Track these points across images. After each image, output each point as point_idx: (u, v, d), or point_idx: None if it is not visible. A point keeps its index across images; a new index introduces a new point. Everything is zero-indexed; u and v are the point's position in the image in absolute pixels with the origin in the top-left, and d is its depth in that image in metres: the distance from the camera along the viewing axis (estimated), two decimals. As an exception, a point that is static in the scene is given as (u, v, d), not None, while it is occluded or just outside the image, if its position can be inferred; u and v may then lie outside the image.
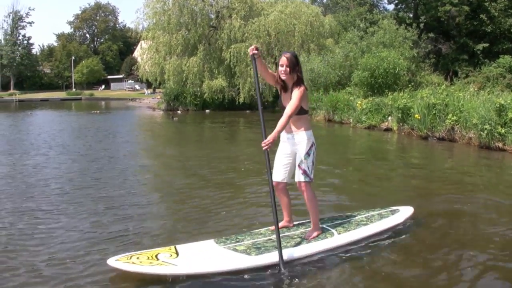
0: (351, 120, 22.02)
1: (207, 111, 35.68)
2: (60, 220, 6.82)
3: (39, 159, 12.74)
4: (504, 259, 5.51)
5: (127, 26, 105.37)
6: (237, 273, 4.93)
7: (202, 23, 35.45)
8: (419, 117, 16.50)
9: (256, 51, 5.50)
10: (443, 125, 15.64)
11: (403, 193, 8.91)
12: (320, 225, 5.93)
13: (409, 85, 22.77)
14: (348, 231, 5.92)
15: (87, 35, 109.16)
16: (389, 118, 19.58)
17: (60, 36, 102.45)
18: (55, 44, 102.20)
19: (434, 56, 35.19)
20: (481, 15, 35.46)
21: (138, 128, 25.88)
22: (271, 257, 5.12)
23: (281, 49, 32.88)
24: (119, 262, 4.87)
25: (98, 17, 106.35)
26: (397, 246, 5.85)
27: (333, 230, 5.91)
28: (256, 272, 4.98)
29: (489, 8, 35.39)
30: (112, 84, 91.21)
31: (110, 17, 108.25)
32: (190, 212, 7.36)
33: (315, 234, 5.73)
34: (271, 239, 5.64)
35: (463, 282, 4.94)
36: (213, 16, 37.62)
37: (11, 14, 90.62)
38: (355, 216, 6.50)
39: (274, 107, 28.26)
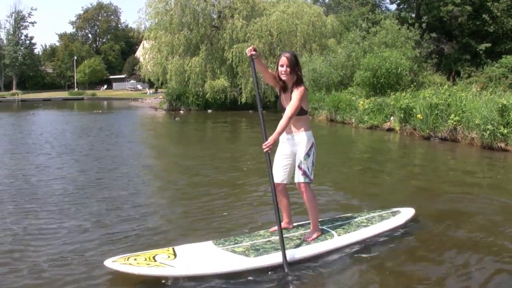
0: (353, 120, 22.01)
1: (209, 111, 35.68)
2: (63, 221, 6.82)
3: (42, 159, 12.76)
4: (510, 261, 5.45)
5: (129, 26, 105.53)
6: (239, 274, 4.91)
7: (204, 23, 35.45)
8: (421, 117, 16.48)
9: (254, 52, 5.46)
10: (446, 125, 15.62)
11: (405, 193, 8.89)
12: (320, 227, 5.90)
13: (411, 85, 22.74)
14: (348, 232, 5.88)
15: (89, 35, 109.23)
16: (391, 118, 19.56)
17: (62, 36, 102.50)
18: (57, 44, 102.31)
19: (437, 56, 35.16)
20: (484, 15, 35.38)
21: (140, 128, 25.89)
22: (270, 259, 5.11)
23: (283, 49, 32.79)
24: (116, 263, 4.85)
25: (100, 17, 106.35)
26: (398, 248, 5.80)
27: (333, 232, 5.88)
28: (259, 273, 4.96)
29: (491, 8, 35.31)
30: (114, 84, 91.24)
31: (112, 17, 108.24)
32: (193, 212, 7.35)
33: (314, 235, 5.69)
34: (270, 240, 5.62)
35: (468, 286, 4.90)
36: (215, 16, 37.62)
37: (13, 14, 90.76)
38: (355, 218, 6.45)
39: (276, 107, 28.18)
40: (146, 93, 71.22)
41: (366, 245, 5.74)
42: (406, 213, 6.58)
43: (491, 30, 35.60)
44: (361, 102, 21.92)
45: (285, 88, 5.65)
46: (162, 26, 36.25)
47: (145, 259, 4.95)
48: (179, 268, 4.85)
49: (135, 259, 4.94)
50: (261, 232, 5.98)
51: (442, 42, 36.43)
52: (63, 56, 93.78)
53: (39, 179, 9.98)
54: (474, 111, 14.69)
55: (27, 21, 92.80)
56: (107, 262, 4.89)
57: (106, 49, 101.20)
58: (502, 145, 13.44)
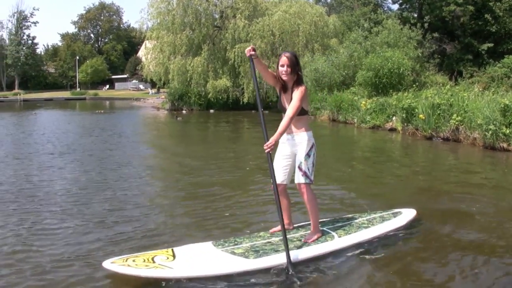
0: (355, 120, 22.02)
1: (212, 111, 35.73)
2: (65, 221, 6.81)
3: (44, 159, 12.77)
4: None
5: (131, 26, 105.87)
6: (242, 275, 4.90)
7: (206, 23, 35.52)
8: (424, 117, 16.47)
9: (253, 52, 5.44)
10: (448, 125, 15.61)
11: (406, 194, 8.84)
12: (320, 228, 5.86)
13: (414, 85, 22.74)
14: (349, 234, 5.83)
15: (92, 35, 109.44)
16: (394, 118, 19.55)
17: (64, 36, 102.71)
18: (60, 44, 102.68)
19: (439, 56, 35.12)
20: (486, 15, 35.36)
21: (142, 128, 25.91)
22: (269, 261, 5.08)
23: (285, 49, 32.79)
24: (115, 264, 4.83)
25: (102, 17, 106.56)
26: (399, 249, 5.75)
27: (334, 233, 5.83)
28: (263, 274, 4.95)
29: (493, 8, 35.29)
30: (116, 84, 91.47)
31: (114, 17, 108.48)
32: (195, 213, 7.34)
33: (315, 237, 5.65)
34: (270, 242, 5.59)
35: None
36: (217, 16, 37.70)
37: (15, 14, 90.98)
38: (356, 219, 6.40)
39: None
40: (148, 93, 71.35)
41: (367, 246, 5.70)
42: (407, 214, 6.53)
43: (493, 30, 35.58)
44: (363, 102, 21.91)
45: (285, 88, 5.62)
46: (164, 26, 36.35)
47: (144, 260, 4.93)
48: (177, 269, 4.82)
49: (133, 261, 4.91)
50: (261, 233, 5.95)
51: (444, 42, 36.38)
52: (65, 56, 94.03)
53: (42, 179, 9.98)
54: (476, 111, 14.68)
55: (29, 21, 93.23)
56: (105, 263, 4.88)
57: (108, 49, 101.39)
58: (504, 145, 13.42)
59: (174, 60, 35.45)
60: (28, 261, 5.31)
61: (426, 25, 34.22)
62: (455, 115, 15.32)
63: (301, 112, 5.43)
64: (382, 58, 23.85)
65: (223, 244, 5.49)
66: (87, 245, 5.83)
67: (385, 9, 46.83)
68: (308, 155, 5.55)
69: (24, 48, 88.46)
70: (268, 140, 5.22)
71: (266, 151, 5.19)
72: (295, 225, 6.13)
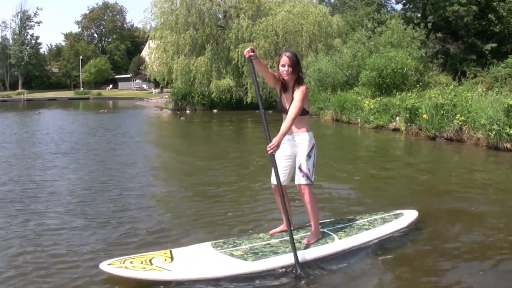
0: (358, 120, 22.00)
1: (215, 110, 35.73)
2: (69, 221, 6.81)
3: (48, 158, 12.80)
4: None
5: (134, 25, 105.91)
6: (244, 276, 4.89)
7: (209, 23, 35.52)
8: (427, 117, 16.46)
9: (252, 53, 5.41)
10: (451, 125, 15.59)
11: (409, 194, 8.80)
12: (321, 229, 5.81)
13: (417, 85, 22.71)
14: (350, 235, 5.77)
15: (95, 35, 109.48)
16: (397, 118, 19.54)
17: (68, 36, 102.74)
18: (63, 43, 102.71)
19: (442, 56, 35.06)
20: (490, 15, 35.25)
21: (146, 128, 25.96)
22: (268, 263, 5.05)
23: (288, 49, 32.79)
24: (112, 266, 4.83)
25: (105, 17, 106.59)
26: (400, 252, 5.68)
27: (334, 235, 5.78)
28: (270, 274, 4.96)
29: (497, 8, 35.17)
30: (119, 84, 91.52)
31: (117, 16, 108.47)
32: (198, 213, 7.34)
33: (315, 238, 5.59)
34: (269, 243, 5.55)
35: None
36: (220, 16, 37.69)
37: (19, 14, 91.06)
38: (357, 220, 6.34)
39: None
40: (152, 92, 71.42)
41: (368, 248, 5.65)
42: (409, 216, 6.47)
43: (497, 30, 35.47)
44: (367, 102, 21.90)
45: (285, 88, 5.59)
46: (168, 26, 36.32)
47: (142, 262, 4.92)
48: (175, 272, 4.80)
49: (131, 262, 4.91)
50: (261, 234, 5.91)
51: (448, 42, 36.31)
52: (68, 56, 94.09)
53: (45, 179, 10.01)
54: (479, 111, 14.67)
55: (33, 21, 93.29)
56: (102, 265, 4.87)
57: (111, 49, 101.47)
58: (508, 145, 13.40)
59: (177, 60, 35.46)
60: (32, 262, 5.31)
61: (429, 25, 34.21)
62: (458, 115, 15.31)
63: (302, 112, 5.39)
64: (385, 58, 23.85)
65: (222, 246, 5.45)
66: (91, 245, 5.84)
67: (388, 9, 46.81)
68: (308, 156, 5.50)
69: (27, 48, 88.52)
70: (270, 141, 5.18)
71: (269, 152, 5.16)
72: (295, 227, 6.04)
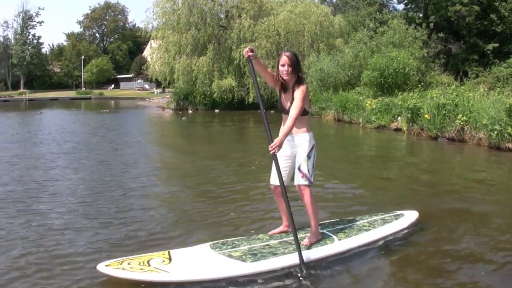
0: (360, 120, 22.00)
1: (217, 110, 35.73)
2: (71, 222, 6.80)
3: (50, 158, 12.82)
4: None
5: (136, 25, 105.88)
6: (246, 277, 4.88)
7: (211, 23, 35.54)
8: (429, 117, 16.46)
9: (251, 53, 5.39)
10: (453, 125, 15.59)
11: (410, 195, 8.76)
12: (320, 230, 5.78)
13: (419, 85, 22.65)
14: (349, 236, 5.74)
15: (97, 35, 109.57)
16: (399, 118, 19.54)
17: (69, 36, 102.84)
18: (65, 43, 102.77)
19: (444, 56, 35.04)
20: (491, 15, 35.22)
21: (148, 128, 25.97)
22: (267, 265, 5.02)
23: (290, 49, 32.79)
24: (109, 267, 4.81)
25: (107, 17, 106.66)
26: (403, 252, 5.65)
27: (334, 236, 5.74)
28: (276, 274, 4.96)
29: (499, 8, 35.14)
30: (121, 84, 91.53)
31: (119, 16, 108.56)
32: (200, 213, 7.32)
33: (314, 239, 5.56)
34: (268, 245, 5.52)
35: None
36: (222, 16, 37.67)
37: (21, 14, 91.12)
38: (357, 221, 6.30)
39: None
40: (154, 92, 71.41)
41: (366, 249, 5.61)
42: (409, 216, 6.44)
43: (499, 30, 35.44)
44: (369, 102, 21.92)
45: (285, 88, 5.55)
46: (170, 25, 36.34)
47: (139, 263, 4.91)
48: (173, 273, 4.78)
49: (128, 263, 4.90)
50: (260, 235, 5.88)
51: (450, 42, 36.30)
52: (70, 56, 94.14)
53: (47, 179, 10.01)
54: (481, 111, 14.67)
55: (34, 21, 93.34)
56: (99, 266, 4.86)
57: (113, 49, 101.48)
58: (510, 145, 13.38)
59: (179, 60, 35.45)
60: (34, 263, 5.29)
61: (431, 25, 34.13)
62: (460, 115, 15.30)
63: (302, 112, 5.35)
64: (387, 58, 23.82)
65: (221, 247, 5.42)
66: (94, 246, 5.83)
67: (390, 9, 46.81)
68: (308, 156, 5.47)
69: (29, 47, 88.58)
70: (272, 141, 5.16)
71: (271, 152, 5.13)
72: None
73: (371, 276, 5.06)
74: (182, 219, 7.03)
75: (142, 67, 62.33)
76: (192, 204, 7.93)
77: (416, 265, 5.34)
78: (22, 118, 31.88)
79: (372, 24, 32.68)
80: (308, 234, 5.68)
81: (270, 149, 5.10)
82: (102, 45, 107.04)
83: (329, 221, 6.43)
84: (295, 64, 5.42)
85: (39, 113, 36.08)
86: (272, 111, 24.80)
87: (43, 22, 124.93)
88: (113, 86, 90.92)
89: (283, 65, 5.41)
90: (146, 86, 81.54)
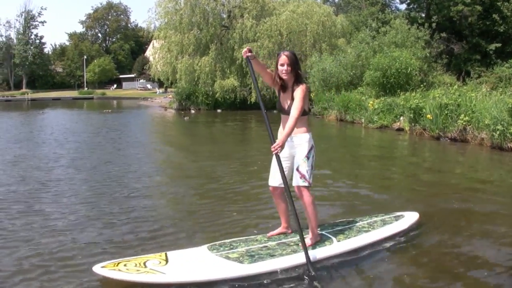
0: (363, 120, 22.00)
1: (219, 110, 35.75)
2: (74, 223, 6.80)
3: (52, 158, 12.83)
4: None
5: (139, 25, 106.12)
6: (256, 277, 4.88)
7: (214, 23, 35.56)
8: (431, 117, 16.45)
9: (249, 53, 5.38)
10: (455, 125, 15.59)
11: (412, 196, 8.75)
12: (320, 232, 5.74)
13: (421, 85, 22.64)
14: (348, 238, 5.69)
15: (99, 35, 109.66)
16: (401, 118, 19.54)
17: (72, 36, 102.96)
18: (67, 43, 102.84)
19: (446, 56, 34.96)
20: (494, 15, 35.20)
21: (150, 128, 25.98)
22: (264, 266, 4.98)
23: (292, 48, 32.81)
24: (105, 269, 4.78)
25: (110, 17, 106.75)
26: (400, 255, 5.61)
27: (333, 237, 5.70)
28: (283, 274, 4.96)
29: (501, 8, 35.12)
30: (124, 84, 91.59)
31: (122, 16, 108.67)
32: (202, 214, 7.31)
33: (313, 241, 5.52)
34: (266, 246, 5.49)
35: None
36: (225, 16, 37.73)
37: (23, 14, 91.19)
38: (356, 222, 6.25)
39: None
40: (156, 92, 71.43)
41: (366, 251, 5.57)
42: (410, 218, 6.39)
43: (501, 30, 35.42)
44: (371, 102, 21.91)
45: (284, 88, 5.51)
46: (172, 25, 36.39)
47: (136, 265, 4.88)
48: (169, 275, 4.75)
49: (125, 265, 4.87)
50: (258, 237, 5.85)
51: (452, 42, 36.25)
52: (72, 56, 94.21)
53: (50, 179, 10.02)
54: (484, 111, 14.65)
55: (37, 21, 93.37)
56: (95, 267, 4.83)
57: (115, 49, 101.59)
58: (512, 145, 13.42)
59: (181, 60, 35.48)
60: (38, 265, 5.28)
61: (433, 25, 34.05)
62: (462, 115, 15.30)
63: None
64: (389, 58, 23.82)
65: (218, 249, 5.39)
66: (96, 247, 5.83)
67: (392, 9, 46.71)
68: (307, 157, 5.42)
69: (31, 47, 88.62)
70: (274, 141, 5.14)
71: (273, 152, 5.12)
72: (293, 229, 5.93)
73: (370, 278, 5.04)
74: (185, 220, 7.02)
75: (145, 67, 62.29)
76: (195, 205, 7.93)
77: (416, 266, 5.33)
78: (25, 118, 31.91)
79: (375, 24, 32.63)
80: (307, 236, 5.60)
81: (272, 149, 5.08)
82: (104, 45, 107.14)
83: (328, 222, 6.41)
84: (294, 64, 5.39)
85: (41, 113, 36.13)
86: (274, 111, 24.67)
87: (46, 22, 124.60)
88: (115, 86, 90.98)
89: (282, 65, 5.38)
90: (149, 86, 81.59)
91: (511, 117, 13.50)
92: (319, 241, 5.58)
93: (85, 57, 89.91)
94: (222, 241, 5.64)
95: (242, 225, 6.67)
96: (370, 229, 6.00)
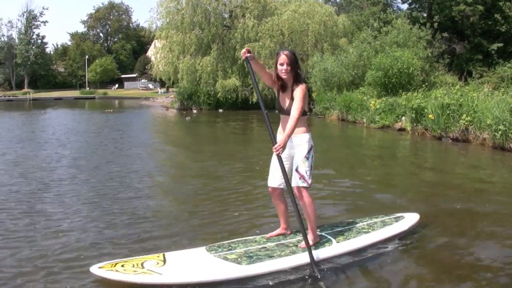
0: (364, 120, 22.00)
1: (221, 110, 35.73)
2: (77, 223, 6.81)
3: (54, 158, 12.84)
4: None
5: (140, 25, 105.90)
6: (260, 278, 4.87)
7: (215, 23, 35.54)
8: (433, 117, 16.45)
9: (248, 54, 5.39)
10: (457, 125, 15.58)
11: (413, 196, 8.74)
12: (319, 233, 5.71)
13: (423, 85, 22.63)
14: (348, 239, 5.66)
15: (101, 34, 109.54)
16: (403, 118, 19.54)
17: (73, 35, 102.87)
18: (69, 43, 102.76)
19: (448, 56, 34.93)
20: (496, 15, 35.15)
21: (152, 128, 25.97)
22: (262, 267, 4.97)
23: (294, 48, 32.84)
24: (102, 269, 4.79)
25: (111, 16, 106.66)
26: (404, 256, 5.58)
27: (332, 238, 5.66)
28: (288, 274, 4.95)
29: (503, 8, 35.06)
30: (125, 83, 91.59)
31: (123, 16, 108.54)
32: (204, 214, 7.32)
33: (312, 242, 5.42)
34: (265, 247, 5.46)
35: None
36: (226, 16, 37.69)
37: (25, 14, 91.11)
38: (356, 224, 6.21)
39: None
40: (158, 92, 71.42)
41: (365, 252, 5.54)
42: (410, 219, 6.33)
43: (503, 30, 35.36)
44: (373, 102, 21.91)
45: (283, 88, 5.50)
46: (174, 25, 36.33)
47: (133, 266, 4.87)
48: (166, 276, 4.73)
49: (122, 266, 4.87)
50: (257, 238, 5.82)
51: (454, 42, 36.21)
52: (74, 55, 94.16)
53: (52, 179, 10.02)
54: (486, 112, 14.65)
55: (38, 21, 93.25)
56: (93, 268, 4.84)
57: (117, 48, 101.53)
58: (514, 145, 13.41)
59: (183, 60, 35.46)
60: (41, 266, 5.27)
61: (435, 25, 34.03)
62: (464, 115, 15.30)
63: None
64: (391, 58, 23.80)
65: (217, 250, 5.37)
66: (98, 248, 5.83)
67: (394, 8, 46.65)
68: (306, 157, 5.40)
69: (33, 47, 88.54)
70: (275, 142, 5.12)
71: (275, 153, 5.10)
72: (292, 230, 5.94)
73: (373, 279, 5.03)
74: (188, 221, 7.02)
75: (146, 67, 62.40)
76: (197, 205, 7.93)
77: (420, 268, 5.31)
78: (26, 117, 31.92)
79: (376, 23, 32.60)
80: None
81: (274, 150, 5.06)
82: (106, 44, 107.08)
83: (328, 223, 6.38)
84: (294, 63, 5.37)
85: (43, 113, 36.14)
86: (277, 111, 24.76)
87: (47, 22, 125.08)
88: (117, 85, 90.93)
89: (281, 64, 5.37)
90: (150, 85, 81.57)
91: (513, 117, 13.50)
92: (318, 242, 5.55)
93: (86, 57, 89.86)
94: (221, 242, 5.62)
95: (245, 226, 6.67)
96: (370, 230, 5.96)
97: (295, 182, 5.40)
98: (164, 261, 5.04)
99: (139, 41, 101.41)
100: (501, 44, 35.04)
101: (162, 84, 58.46)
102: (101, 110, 40.69)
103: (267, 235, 5.83)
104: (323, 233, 5.83)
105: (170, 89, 57.23)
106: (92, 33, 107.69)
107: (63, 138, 17.73)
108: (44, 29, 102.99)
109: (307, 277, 4.91)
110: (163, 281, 4.69)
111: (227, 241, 5.68)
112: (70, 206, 7.73)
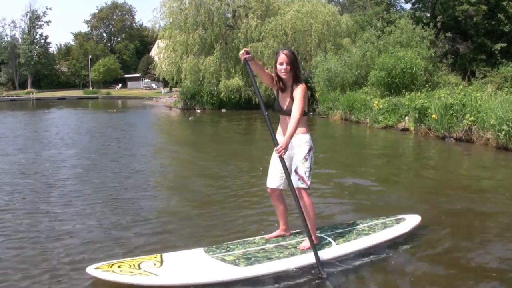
0: (367, 120, 22.00)
1: (224, 110, 35.73)
2: (81, 223, 6.81)
3: (58, 158, 12.84)
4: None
5: (143, 25, 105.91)
6: (264, 279, 4.85)
7: (218, 23, 35.56)
8: (436, 118, 16.44)
9: (247, 55, 5.36)
10: (461, 125, 15.57)
11: (416, 196, 8.69)
12: (318, 235, 5.66)
13: (426, 85, 22.59)
14: (348, 241, 5.60)
15: (104, 34, 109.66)
16: (406, 118, 19.52)
17: (77, 35, 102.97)
18: (72, 43, 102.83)
19: (452, 56, 34.86)
20: (499, 15, 35.11)
21: (155, 128, 25.96)
22: (260, 269, 4.92)
23: (297, 48, 32.87)
24: (98, 270, 4.75)
25: (115, 16, 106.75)
26: (401, 259, 5.50)
27: (332, 240, 5.61)
28: (293, 276, 4.93)
29: (507, 8, 35.01)
30: (129, 83, 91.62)
31: (126, 16, 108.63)
32: (206, 215, 7.31)
33: (311, 244, 5.18)
34: (263, 248, 5.42)
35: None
36: (229, 15, 37.70)
37: (28, 13, 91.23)
38: (357, 225, 6.15)
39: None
40: (161, 92, 71.40)
41: (365, 254, 5.48)
42: (411, 221, 6.26)
43: (507, 30, 35.31)
44: (376, 102, 21.91)
45: (283, 88, 5.44)
46: (177, 25, 36.36)
47: (130, 266, 4.85)
48: (163, 277, 4.70)
49: (119, 266, 4.84)
50: (256, 239, 5.78)
51: (457, 41, 36.21)
52: (77, 55, 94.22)
53: (56, 179, 10.03)
54: (489, 112, 14.64)
55: (42, 20, 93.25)
56: (89, 269, 4.80)
57: (120, 48, 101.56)
58: (518, 146, 13.39)
59: (186, 60, 35.46)
60: (45, 267, 5.25)
61: (439, 24, 34.02)
62: (468, 115, 15.28)
63: None
64: (394, 58, 23.79)
65: (215, 251, 5.33)
66: (104, 247, 5.84)
67: (397, 8, 46.68)
68: (305, 158, 5.35)
69: (37, 47, 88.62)
70: (277, 143, 5.08)
71: (278, 155, 5.03)
72: (291, 232, 5.92)
73: (370, 281, 5.00)
74: (190, 221, 7.01)
75: (149, 67, 62.32)
76: (201, 206, 7.92)
77: (422, 269, 5.28)
78: (30, 117, 31.94)
79: (379, 23, 32.58)
80: (305, 238, 5.42)
81: (276, 152, 5.03)
82: (109, 44, 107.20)
83: (328, 225, 6.35)
84: (294, 63, 5.32)
85: (46, 113, 36.15)
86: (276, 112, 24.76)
87: (51, 22, 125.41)
88: (120, 85, 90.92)
89: (281, 64, 5.32)
90: (153, 85, 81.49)
91: (516, 117, 13.49)
92: (318, 243, 5.47)
93: (90, 56, 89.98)
94: (219, 244, 5.60)
95: (248, 226, 6.66)
96: (370, 232, 5.92)
97: (294, 183, 5.32)
98: (161, 262, 5.01)
99: (142, 41, 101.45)
100: (504, 44, 35.00)
101: (165, 84, 58.66)
102: (104, 110, 40.68)
103: (266, 236, 5.81)
104: (322, 235, 5.79)
105: (173, 89, 57.24)
106: (95, 33, 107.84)
107: (67, 138, 17.74)
108: (47, 29, 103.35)
109: (309, 278, 4.90)
110: (160, 282, 4.67)
111: (225, 243, 5.66)
112: (74, 207, 7.72)
